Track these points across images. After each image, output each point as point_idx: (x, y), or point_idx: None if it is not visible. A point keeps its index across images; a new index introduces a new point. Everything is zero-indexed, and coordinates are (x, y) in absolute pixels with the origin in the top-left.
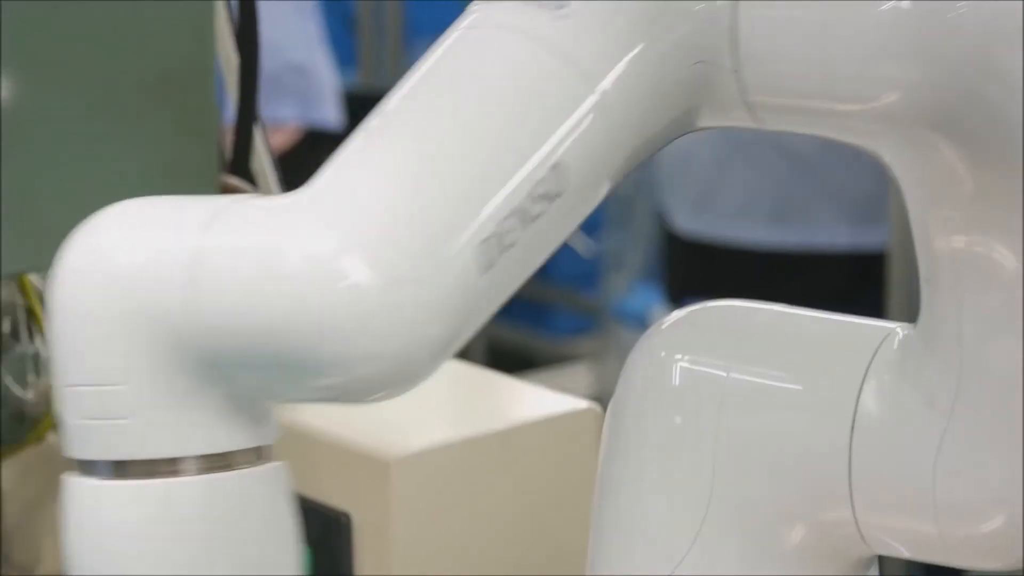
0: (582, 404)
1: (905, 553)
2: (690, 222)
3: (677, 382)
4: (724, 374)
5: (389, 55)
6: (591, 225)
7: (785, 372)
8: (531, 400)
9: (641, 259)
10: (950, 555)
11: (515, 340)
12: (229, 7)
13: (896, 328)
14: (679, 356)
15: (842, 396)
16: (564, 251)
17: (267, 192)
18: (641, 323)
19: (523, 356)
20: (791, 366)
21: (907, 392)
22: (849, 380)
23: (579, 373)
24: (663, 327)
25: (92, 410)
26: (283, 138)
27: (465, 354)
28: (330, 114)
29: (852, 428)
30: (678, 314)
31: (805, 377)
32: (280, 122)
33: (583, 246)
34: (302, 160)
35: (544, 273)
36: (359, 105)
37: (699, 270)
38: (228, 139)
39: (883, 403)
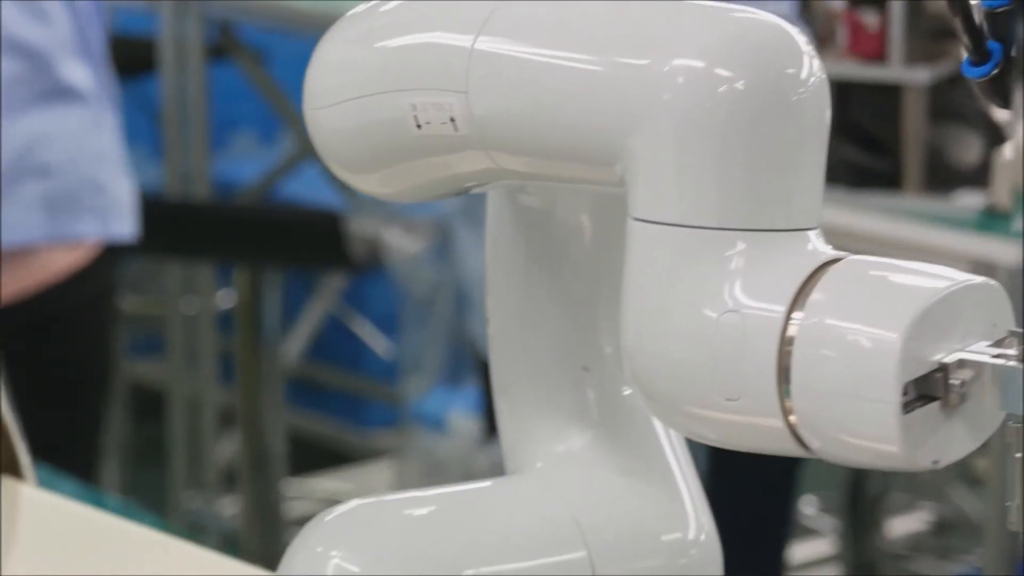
0: None
1: None
2: None
3: None
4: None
5: (195, 148)
6: (389, 326)
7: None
8: None
9: (439, 362)
10: None
11: (323, 433)
12: None
13: None
14: (334, 554)
15: None
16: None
17: None
18: (439, 426)
19: (330, 450)
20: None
21: None
22: None
23: (383, 469)
24: (324, 521)
25: None
26: (81, 255)
27: (264, 445)
28: (126, 227)
29: None
30: (340, 509)
31: None
32: (79, 239)
33: (382, 347)
34: (103, 274)
35: (353, 366)
36: (159, 211)
37: None
38: None
39: None
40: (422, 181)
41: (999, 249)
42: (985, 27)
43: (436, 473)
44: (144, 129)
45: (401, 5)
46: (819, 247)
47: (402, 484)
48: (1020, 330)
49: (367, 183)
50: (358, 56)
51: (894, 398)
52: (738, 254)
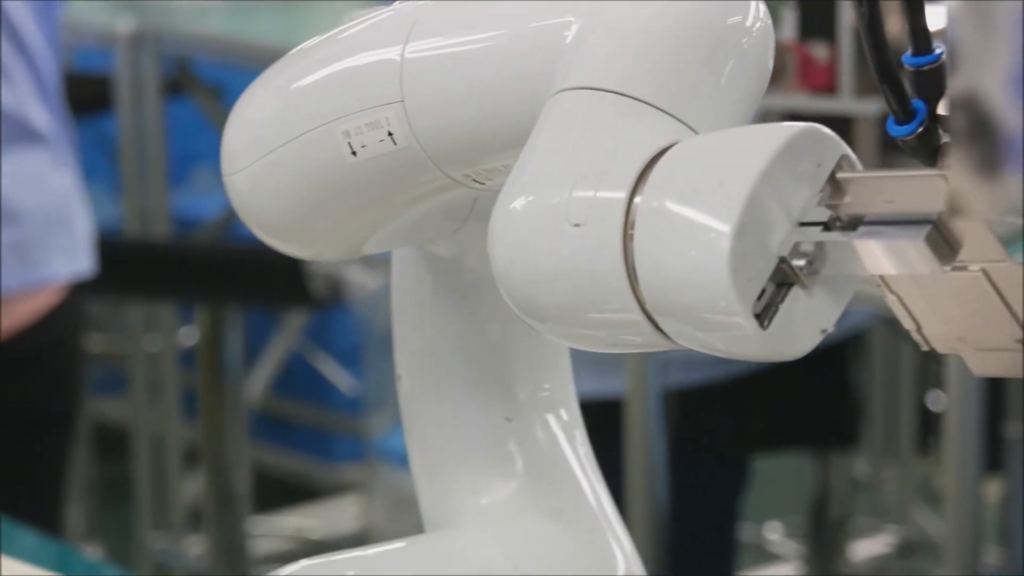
0: None
1: None
2: None
3: None
4: None
5: (154, 185)
6: (352, 362)
7: None
8: None
9: None
10: None
11: (290, 469)
12: None
13: None
14: None
15: None
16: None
17: None
18: (405, 461)
19: (297, 486)
20: None
21: None
22: None
23: (350, 505)
24: None
25: None
26: (50, 295)
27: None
28: (87, 264)
29: None
30: (286, 571)
31: None
32: (51, 282)
33: (345, 383)
34: (70, 313)
35: (316, 402)
36: (120, 250)
37: None
38: None
39: None
40: (353, 227)
41: None
42: (909, 86)
43: (403, 508)
44: (102, 167)
45: (314, 46)
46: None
47: (368, 519)
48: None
49: (294, 246)
50: (276, 105)
51: (749, 322)
52: (610, 119)
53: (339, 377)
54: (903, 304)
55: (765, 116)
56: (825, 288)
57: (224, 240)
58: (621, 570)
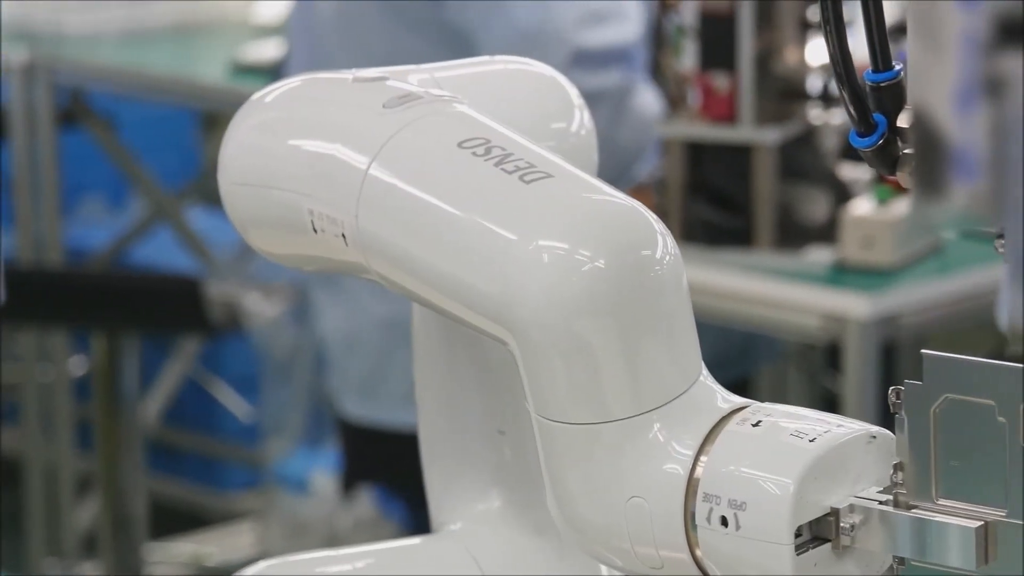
0: None
1: None
2: (358, 407)
3: None
4: None
5: (47, 214)
6: (246, 388)
7: None
8: None
9: (300, 424)
10: None
11: (181, 497)
12: None
13: None
14: None
15: None
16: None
17: None
18: (302, 487)
19: (189, 513)
20: None
21: None
22: None
23: (245, 531)
24: None
25: None
26: None
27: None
28: None
29: None
30: (249, 571)
31: None
32: None
33: (241, 409)
34: None
35: (211, 428)
36: (14, 278)
37: (369, 455)
38: None
39: None
40: (324, 267)
41: (849, 303)
42: (870, 100)
43: (299, 534)
44: None
45: (313, 96)
46: (718, 396)
47: (264, 546)
48: (900, 462)
49: (267, 253)
50: (266, 144)
51: (788, 540)
52: (643, 433)
53: (235, 404)
54: None
55: (666, 145)
56: (853, 559)
57: (116, 269)
58: None
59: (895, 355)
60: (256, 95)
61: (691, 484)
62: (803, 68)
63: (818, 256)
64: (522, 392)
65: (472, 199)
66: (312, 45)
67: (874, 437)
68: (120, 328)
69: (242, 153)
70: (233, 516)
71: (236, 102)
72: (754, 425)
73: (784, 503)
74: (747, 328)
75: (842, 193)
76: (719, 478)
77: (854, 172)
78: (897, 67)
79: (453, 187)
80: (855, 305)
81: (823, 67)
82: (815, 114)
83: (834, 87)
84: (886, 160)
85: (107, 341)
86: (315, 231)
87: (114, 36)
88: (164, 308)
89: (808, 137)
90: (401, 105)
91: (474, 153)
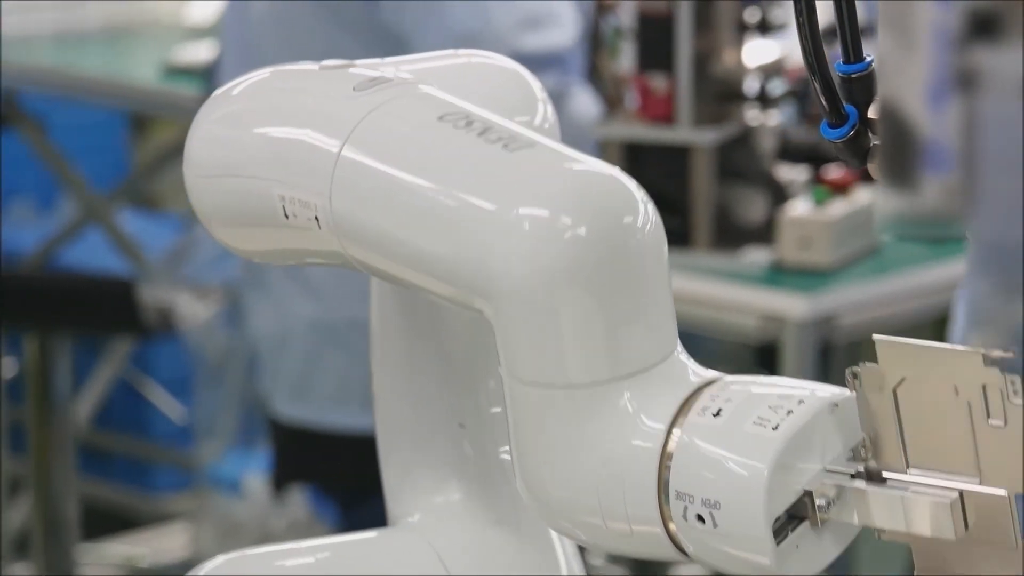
0: None
1: None
2: (289, 408)
3: None
4: None
5: None
6: (178, 389)
7: None
8: None
9: (233, 425)
10: None
11: (112, 499)
12: None
13: None
14: None
15: None
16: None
17: None
18: (235, 488)
19: (121, 515)
20: None
21: None
22: None
23: (177, 533)
24: None
25: None
26: None
27: (56, 511)
28: None
29: None
30: (209, 565)
31: None
32: None
33: (172, 410)
34: None
35: (142, 430)
36: None
37: (301, 456)
38: None
39: None
40: (293, 258)
41: (786, 303)
42: (841, 91)
43: (232, 535)
44: None
45: (282, 85)
46: (689, 370)
47: (198, 547)
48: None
49: (237, 249)
50: (234, 135)
51: (766, 535)
52: (614, 400)
53: (167, 405)
54: None
55: (604, 147)
56: (831, 530)
57: (46, 272)
58: (563, 572)
59: (831, 355)
60: (221, 89)
61: (664, 457)
62: (740, 69)
63: (755, 257)
64: (483, 385)
65: (452, 170)
66: (245, 46)
67: (836, 406)
68: (52, 330)
69: (209, 145)
70: (165, 518)
71: (169, 104)
72: (715, 415)
73: (757, 502)
74: (685, 328)
75: (779, 194)
76: (689, 477)
77: (791, 173)
78: (868, 58)
79: (432, 159)
80: (792, 305)
81: (760, 68)
82: (752, 115)
83: (771, 88)
84: (856, 151)
85: (39, 343)
86: (286, 217)
87: (47, 38)
88: (97, 310)
89: (745, 138)
90: (372, 87)
91: (455, 126)
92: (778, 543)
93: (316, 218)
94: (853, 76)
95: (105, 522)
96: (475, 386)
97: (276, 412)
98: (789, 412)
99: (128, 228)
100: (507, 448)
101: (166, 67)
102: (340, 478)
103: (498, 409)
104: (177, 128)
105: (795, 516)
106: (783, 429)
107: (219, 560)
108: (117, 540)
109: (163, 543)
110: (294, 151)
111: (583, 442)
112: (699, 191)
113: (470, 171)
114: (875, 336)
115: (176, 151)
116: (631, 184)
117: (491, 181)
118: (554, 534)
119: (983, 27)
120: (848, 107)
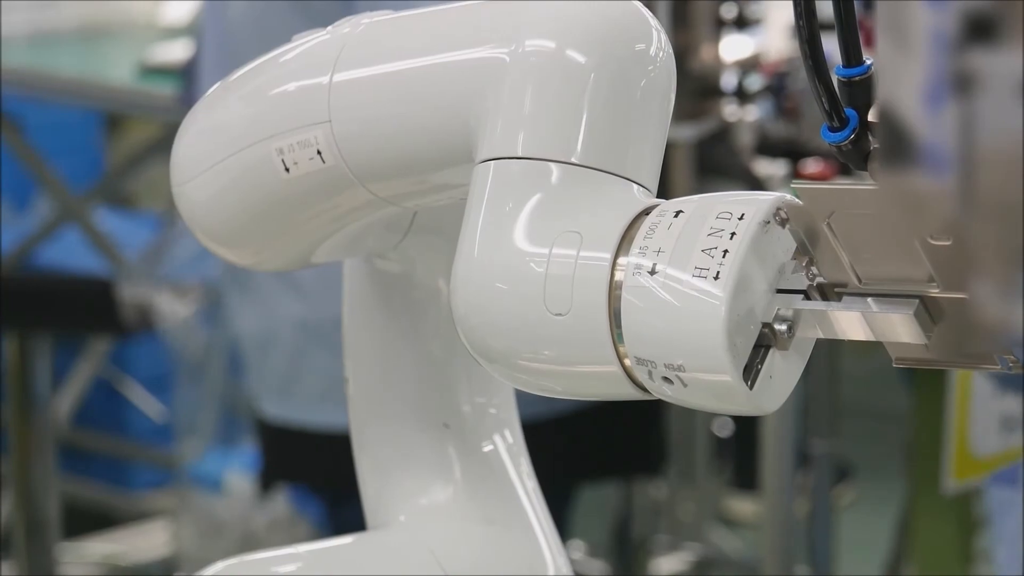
0: None
1: None
2: (275, 407)
3: None
4: None
5: None
6: (158, 388)
7: None
8: None
9: (214, 423)
10: None
11: (93, 497)
12: None
13: None
14: None
15: None
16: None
17: None
18: (216, 487)
19: (101, 514)
20: None
21: None
22: None
23: (157, 531)
24: None
25: None
26: None
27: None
28: None
29: None
30: (207, 572)
31: None
32: None
33: (152, 409)
34: None
35: (121, 428)
36: None
37: (286, 455)
38: None
39: None
40: (293, 239)
41: None
42: (841, 95)
43: (214, 534)
44: None
45: (255, 67)
46: (641, 196)
47: (179, 545)
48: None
49: (240, 254)
50: (219, 119)
51: (739, 385)
52: (570, 189)
53: (147, 404)
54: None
55: None
56: (795, 348)
57: (23, 271)
58: (551, 570)
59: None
60: (199, 102)
61: (613, 281)
62: (718, 65)
63: None
64: (464, 382)
65: (443, 31)
66: (223, 45)
67: (767, 222)
68: (31, 330)
69: (194, 143)
70: (146, 516)
71: (144, 104)
72: (651, 273)
73: (722, 360)
74: None
75: (758, 188)
76: (643, 343)
77: (769, 168)
78: (868, 62)
79: (420, 35)
80: None
81: (737, 63)
82: (730, 111)
83: (749, 83)
84: (858, 155)
85: (18, 343)
86: (287, 171)
87: (22, 37)
88: (76, 309)
89: (723, 134)
90: (343, 23)
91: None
92: (752, 386)
93: (318, 152)
94: (853, 80)
95: (86, 520)
96: (458, 383)
97: (262, 411)
98: (725, 252)
99: (105, 227)
100: (490, 442)
101: (141, 67)
102: (327, 477)
103: (482, 400)
104: (153, 127)
105: (760, 345)
106: (725, 276)
107: (219, 566)
108: (98, 538)
109: (144, 541)
110: (284, 99)
111: (531, 228)
112: (677, 186)
113: (469, 22)
114: (793, 183)
115: (152, 150)
116: (644, 9)
117: (491, 23)
118: (540, 531)
119: (980, 29)
120: (848, 111)
